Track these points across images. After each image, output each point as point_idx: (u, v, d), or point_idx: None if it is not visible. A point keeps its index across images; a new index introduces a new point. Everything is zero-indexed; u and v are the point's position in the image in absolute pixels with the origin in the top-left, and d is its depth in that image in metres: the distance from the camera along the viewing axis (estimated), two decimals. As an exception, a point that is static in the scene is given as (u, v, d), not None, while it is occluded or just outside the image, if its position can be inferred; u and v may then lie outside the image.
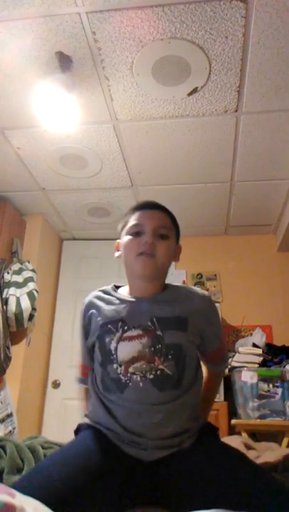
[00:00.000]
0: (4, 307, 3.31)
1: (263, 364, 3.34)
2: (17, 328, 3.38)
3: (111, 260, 4.36)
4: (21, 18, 2.15)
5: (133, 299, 1.44)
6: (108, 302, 1.47)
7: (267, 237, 4.34)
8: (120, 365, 1.33)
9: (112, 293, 1.51)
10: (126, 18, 2.15)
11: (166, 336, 1.34)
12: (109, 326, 1.39)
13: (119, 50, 2.31)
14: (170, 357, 1.32)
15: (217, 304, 3.74)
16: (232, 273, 4.23)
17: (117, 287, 1.55)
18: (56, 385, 3.94)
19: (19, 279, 3.48)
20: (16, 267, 3.55)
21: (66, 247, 4.58)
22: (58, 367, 3.98)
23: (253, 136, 2.95)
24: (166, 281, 1.53)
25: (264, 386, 3.16)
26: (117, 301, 1.46)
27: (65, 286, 4.35)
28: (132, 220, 1.48)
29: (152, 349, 1.33)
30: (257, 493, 1.14)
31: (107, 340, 1.37)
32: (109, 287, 1.55)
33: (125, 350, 1.34)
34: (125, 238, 1.47)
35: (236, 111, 2.71)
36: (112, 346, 1.35)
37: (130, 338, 1.35)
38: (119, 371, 1.33)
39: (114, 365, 1.34)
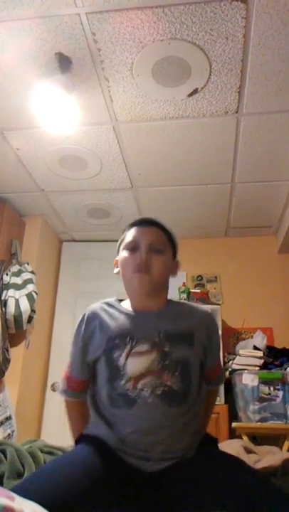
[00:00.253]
0: (3, 309, 3.30)
1: (264, 367, 3.32)
2: (16, 331, 3.36)
3: (111, 262, 4.34)
4: (21, 18, 2.14)
5: (139, 313, 1.45)
6: (113, 315, 1.46)
7: (267, 239, 4.33)
8: (129, 381, 1.33)
9: (117, 306, 1.50)
10: (126, 19, 2.14)
11: (174, 351, 1.36)
12: (116, 340, 1.38)
13: (119, 51, 2.30)
14: (177, 373, 1.34)
15: (217, 306, 3.77)
16: (232, 275, 4.22)
17: (120, 301, 1.55)
18: (55, 387, 3.92)
19: (18, 280, 3.47)
20: (15, 268, 3.54)
21: (66, 248, 4.56)
22: (58, 369, 3.96)
23: (254, 138, 2.93)
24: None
25: (265, 389, 3.15)
26: (123, 315, 1.45)
27: (65, 287, 4.34)
28: (128, 237, 1.50)
29: (161, 365, 1.34)
30: (256, 498, 1.14)
31: (115, 355, 1.36)
32: (112, 300, 1.54)
33: (134, 365, 1.34)
34: (122, 254, 1.49)
35: (237, 112, 2.70)
36: (121, 362, 1.35)
37: (139, 354, 1.35)
38: (127, 387, 1.33)
39: (123, 381, 1.33)
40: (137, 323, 1.42)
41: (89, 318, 1.48)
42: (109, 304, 1.52)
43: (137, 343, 1.37)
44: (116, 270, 1.54)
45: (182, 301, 1.62)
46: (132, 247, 1.46)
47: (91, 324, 1.46)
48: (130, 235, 1.50)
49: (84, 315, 1.50)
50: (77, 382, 1.50)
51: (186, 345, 1.39)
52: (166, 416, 1.31)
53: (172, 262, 1.54)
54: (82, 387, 1.50)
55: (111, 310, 1.48)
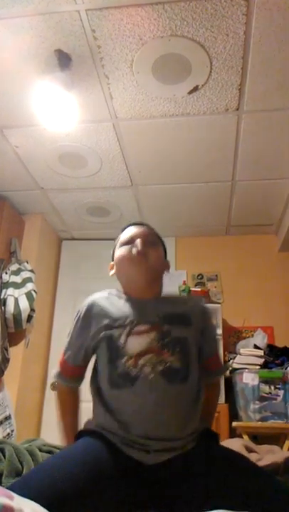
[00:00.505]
0: (2, 308, 3.29)
1: (265, 366, 3.32)
2: (15, 329, 3.35)
3: (110, 260, 4.35)
4: (20, 15, 2.13)
5: (138, 299, 1.52)
6: (113, 302, 1.53)
7: (268, 237, 4.31)
8: (130, 358, 1.37)
9: (116, 294, 1.58)
10: (126, 16, 2.12)
11: (172, 330, 1.42)
12: (116, 323, 1.44)
13: (119, 48, 2.28)
14: (178, 350, 1.39)
15: (218, 305, 3.76)
16: (233, 273, 4.21)
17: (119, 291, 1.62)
18: (55, 386, 3.91)
19: (18, 279, 3.46)
20: (14, 267, 3.53)
21: (65, 246, 4.55)
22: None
23: (255, 135, 2.92)
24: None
25: (265, 388, 3.14)
26: (122, 301, 1.53)
27: (65, 286, 4.33)
28: (123, 236, 1.62)
29: (160, 342, 1.38)
30: (259, 493, 1.15)
31: (116, 335, 1.41)
32: (112, 290, 1.61)
33: (135, 343, 1.39)
34: (119, 251, 1.59)
35: (237, 109, 2.69)
36: (122, 340, 1.40)
37: (139, 333, 1.40)
38: (128, 365, 1.36)
39: (124, 359, 1.37)
40: (136, 306, 1.49)
41: (90, 305, 1.54)
42: (109, 293, 1.59)
43: (137, 324, 1.43)
44: (112, 272, 1.64)
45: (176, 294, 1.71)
46: (128, 241, 1.57)
47: (92, 310, 1.52)
48: (125, 234, 1.61)
49: (82, 304, 1.57)
50: (71, 368, 1.55)
51: (184, 325, 1.46)
52: (167, 393, 1.34)
53: (164, 261, 1.63)
54: (75, 374, 1.56)
55: (111, 297, 1.56)
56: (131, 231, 1.61)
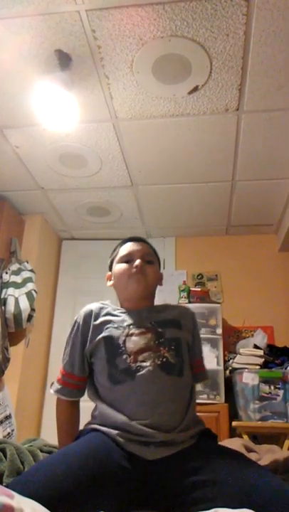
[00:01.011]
0: (3, 308, 3.29)
1: (265, 365, 3.32)
2: (16, 329, 3.36)
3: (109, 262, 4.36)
4: (20, 15, 2.12)
5: (132, 310, 1.61)
6: (110, 311, 1.61)
7: (268, 237, 4.32)
8: (130, 355, 1.45)
9: (111, 305, 1.66)
10: (126, 16, 2.12)
11: (166, 332, 1.52)
12: (114, 325, 1.54)
13: (119, 48, 2.29)
14: (173, 347, 1.49)
15: (218, 305, 3.77)
16: (233, 273, 4.21)
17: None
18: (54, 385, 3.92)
19: (18, 279, 3.46)
20: (14, 267, 3.53)
21: (65, 246, 4.55)
22: (57, 368, 3.90)
23: (255, 135, 2.92)
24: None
25: (265, 388, 3.14)
26: (118, 311, 1.62)
27: (65, 286, 4.34)
28: (122, 251, 1.69)
29: (157, 342, 1.48)
30: (258, 490, 1.15)
31: (116, 335, 1.50)
32: (106, 301, 1.70)
33: (134, 342, 1.48)
34: (117, 266, 1.67)
35: (237, 109, 2.69)
36: (121, 340, 1.49)
37: (137, 334, 1.50)
38: (128, 361, 1.44)
39: (124, 356, 1.45)
40: (132, 316, 1.58)
41: (86, 314, 1.61)
42: (104, 303, 1.67)
43: (134, 327, 1.53)
44: (110, 283, 1.73)
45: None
46: (127, 259, 1.65)
47: (89, 319, 1.59)
48: (124, 249, 1.69)
49: (79, 314, 1.64)
50: (77, 379, 1.57)
51: (176, 328, 1.56)
52: (167, 383, 1.42)
53: (159, 274, 1.72)
54: (80, 385, 1.59)
55: (107, 307, 1.63)
56: (130, 248, 1.68)
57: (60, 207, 3.95)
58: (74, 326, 1.63)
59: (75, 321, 1.63)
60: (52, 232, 4.37)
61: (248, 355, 3.39)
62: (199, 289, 3.91)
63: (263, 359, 3.35)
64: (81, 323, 1.60)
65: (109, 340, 1.50)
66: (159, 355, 1.45)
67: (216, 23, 2.14)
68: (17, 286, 3.42)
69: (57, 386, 1.60)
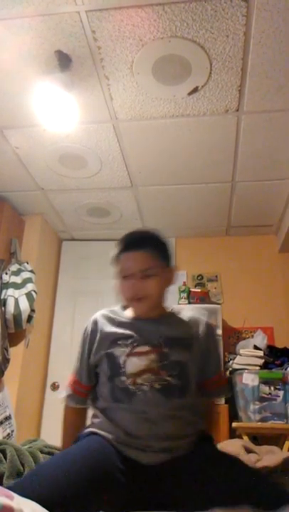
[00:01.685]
0: (3, 308, 3.29)
1: (265, 366, 3.32)
2: (15, 330, 3.36)
3: (110, 261, 4.35)
4: (20, 16, 2.13)
5: (141, 320, 1.53)
6: (117, 321, 1.54)
7: (268, 238, 4.31)
8: (128, 378, 1.40)
9: (120, 313, 1.58)
10: (126, 17, 2.12)
11: (172, 353, 1.43)
12: (119, 342, 1.47)
13: (119, 49, 2.29)
14: (175, 372, 1.41)
15: (218, 306, 3.76)
16: (233, 274, 4.21)
17: (124, 308, 1.62)
18: (55, 387, 3.92)
19: (18, 280, 3.46)
20: (14, 267, 3.53)
21: (65, 247, 4.55)
22: (57, 369, 3.96)
23: (254, 136, 2.92)
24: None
25: (265, 388, 3.14)
26: (126, 320, 1.54)
27: (64, 287, 4.33)
28: (118, 265, 1.53)
29: (159, 364, 1.41)
30: (251, 492, 1.17)
31: (117, 354, 1.44)
32: (116, 308, 1.62)
33: (134, 364, 1.41)
34: (117, 282, 1.54)
35: (237, 110, 2.69)
36: (122, 360, 1.43)
37: (139, 354, 1.43)
38: (127, 382, 1.40)
39: (123, 378, 1.41)
40: (139, 327, 1.50)
41: (94, 325, 1.55)
42: (113, 311, 1.59)
43: (138, 345, 1.45)
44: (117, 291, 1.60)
45: (183, 309, 1.63)
46: (124, 275, 1.50)
47: (95, 330, 1.54)
48: (120, 263, 1.52)
49: (89, 321, 1.58)
50: (84, 388, 1.56)
51: (185, 350, 1.46)
52: (166, 406, 1.37)
53: (167, 274, 1.55)
54: (87, 394, 1.58)
55: (114, 316, 1.56)
56: (125, 263, 1.51)
57: (60, 207, 3.95)
58: (84, 333, 1.58)
59: (85, 329, 1.58)
60: (52, 233, 4.36)
61: (248, 356, 3.38)
62: (199, 290, 3.91)
63: (263, 360, 3.35)
64: (89, 332, 1.55)
65: (112, 358, 1.45)
66: (159, 378, 1.39)
67: (216, 24, 2.14)
68: (17, 286, 3.42)
69: (68, 392, 1.60)
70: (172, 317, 1.56)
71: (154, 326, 1.50)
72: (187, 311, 1.60)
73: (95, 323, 1.55)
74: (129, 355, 1.43)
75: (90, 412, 1.56)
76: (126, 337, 1.47)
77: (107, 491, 1.21)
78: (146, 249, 1.51)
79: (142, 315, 1.52)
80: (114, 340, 1.47)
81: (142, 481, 1.28)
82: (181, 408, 1.40)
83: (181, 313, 1.59)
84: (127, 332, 1.48)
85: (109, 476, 1.23)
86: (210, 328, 1.57)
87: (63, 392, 1.64)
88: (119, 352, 1.44)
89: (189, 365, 1.44)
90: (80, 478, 1.17)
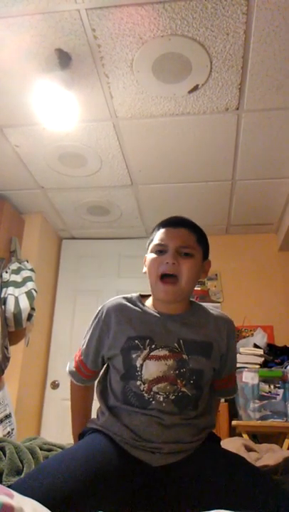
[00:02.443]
0: (3, 307, 3.29)
1: (264, 365, 3.32)
2: (16, 328, 3.36)
3: (110, 259, 4.36)
4: (20, 14, 2.12)
5: (161, 316, 1.43)
6: (134, 314, 1.44)
7: (268, 237, 4.31)
8: (144, 383, 1.34)
9: (139, 305, 1.47)
10: (126, 15, 2.12)
11: (191, 361, 1.36)
12: (136, 341, 1.38)
13: (119, 47, 2.28)
14: (192, 382, 1.36)
15: (217, 304, 3.77)
16: (233, 273, 4.20)
17: (142, 296, 1.52)
18: (55, 385, 3.92)
19: (18, 278, 3.46)
20: (14, 266, 3.53)
21: (65, 246, 4.55)
22: (57, 367, 3.96)
23: (255, 135, 2.92)
24: None
25: (265, 387, 3.14)
26: (144, 315, 1.43)
27: (65, 285, 4.33)
28: (156, 238, 1.45)
29: (177, 372, 1.35)
30: (257, 494, 1.16)
31: (134, 356, 1.36)
32: (134, 296, 1.51)
33: (151, 369, 1.35)
34: (149, 256, 1.46)
35: (238, 109, 2.69)
36: (138, 363, 1.36)
37: (157, 358, 1.36)
38: (142, 388, 1.34)
39: (138, 382, 1.35)
40: (158, 326, 1.41)
41: (109, 312, 1.45)
42: (131, 301, 1.48)
43: (156, 347, 1.37)
44: (144, 269, 1.50)
45: (205, 305, 1.56)
46: (159, 250, 1.43)
47: (110, 318, 1.44)
48: (158, 236, 1.45)
49: (103, 307, 1.48)
50: (88, 371, 1.52)
51: (204, 356, 1.39)
52: (178, 418, 1.34)
53: (202, 264, 1.48)
54: (90, 376, 1.53)
55: (132, 307, 1.46)
56: (164, 235, 1.44)
57: (59, 206, 3.95)
58: (96, 317, 1.48)
59: (98, 314, 1.48)
60: (52, 232, 4.36)
61: (248, 354, 3.38)
62: (199, 289, 3.92)
63: (263, 358, 3.35)
64: (102, 321, 1.45)
65: (127, 358, 1.37)
66: (175, 389, 1.34)
67: (216, 22, 2.14)
68: (17, 285, 3.42)
69: (71, 368, 1.56)
70: (197, 314, 1.47)
71: (176, 326, 1.41)
72: (212, 309, 1.54)
73: (110, 313, 1.44)
74: (146, 358, 1.35)
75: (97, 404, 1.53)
76: (144, 337, 1.38)
77: (109, 491, 1.20)
78: (189, 229, 1.47)
79: (168, 299, 1.41)
80: (131, 338, 1.38)
81: (147, 481, 1.27)
82: (195, 417, 1.37)
83: (205, 310, 1.51)
84: (146, 330, 1.39)
85: (111, 476, 1.22)
86: (233, 328, 1.50)
87: (68, 365, 1.59)
88: (136, 354, 1.36)
89: (206, 371, 1.39)
90: (82, 477, 1.16)
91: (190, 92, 2.55)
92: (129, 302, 1.47)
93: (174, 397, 1.34)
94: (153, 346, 1.36)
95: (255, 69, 2.40)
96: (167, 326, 1.40)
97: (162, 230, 1.46)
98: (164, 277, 1.39)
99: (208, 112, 2.73)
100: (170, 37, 2.22)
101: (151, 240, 1.49)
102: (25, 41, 2.25)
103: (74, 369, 1.55)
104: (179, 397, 1.34)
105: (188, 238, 1.45)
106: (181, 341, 1.37)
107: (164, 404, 1.33)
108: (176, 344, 1.37)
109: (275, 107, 2.66)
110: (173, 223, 1.48)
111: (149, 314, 1.44)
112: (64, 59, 2.31)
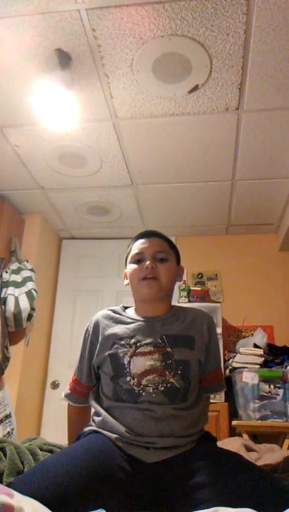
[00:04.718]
0: (3, 307, 3.29)
1: (264, 365, 3.32)
2: (16, 328, 3.36)
3: (110, 259, 4.35)
4: (20, 14, 2.12)
5: (144, 319, 1.55)
6: (119, 321, 1.56)
7: (268, 237, 4.32)
8: (133, 378, 1.42)
9: (122, 313, 1.60)
10: (126, 15, 2.12)
11: (175, 352, 1.45)
12: (122, 342, 1.48)
13: (119, 47, 2.28)
14: (179, 372, 1.43)
15: (218, 304, 3.77)
16: (233, 273, 4.21)
17: (125, 308, 1.65)
18: (55, 385, 3.92)
19: (18, 278, 3.46)
20: (14, 266, 3.53)
21: (65, 246, 4.55)
22: (57, 367, 3.97)
23: (255, 134, 2.92)
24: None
25: (265, 387, 3.14)
26: (128, 320, 1.56)
27: (64, 285, 4.33)
28: (133, 250, 1.61)
29: (163, 363, 1.43)
30: (256, 491, 1.16)
31: (121, 355, 1.45)
32: (118, 307, 1.64)
33: (138, 364, 1.43)
34: (129, 266, 1.60)
35: (238, 109, 2.69)
36: (126, 360, 1.44)
37: (143, 354, 1.44)
38: (132, 383, 1.41)
39: (128, 378, 1.42)
40: (142, 327, 1.51)
41: (96, 322, 1.58)
42: (114, 311, 1.61)
43: (141, 344, 1.46)
44: (126, 282, 1.64)
45: (184, 305, 1.72)
46: (138, 259, 1.57)
47: (97, 330, 1.56)
48: (134, 248, 1.61)
49: (91, 321, 1.61)
50: (84, 388, 1.59)
51: (187, 347, 1.48)
52: (169, 410, 1.38)
53: (176, 269, 1.63)
54: (86, 394, 1.60)
55: (116, 316, 1.58)
56: (140, 246, 1.59)
57: (59, 206, 3.95)
58: (85, 333, 1.60)
59: (87, 329, 1.60)
60: (52, 232, 4.36)
61: (248, 354, 3.39)
62: (199, 289, 3.91)
63: (263, 358, 3.35)
64: (91, 332, 1.57)
65: (115, 358, 1.46)
66: (163, 380, 1.41)
67: (216, 22, 2.14)
68: (17, 285, 3.42)
69: (66, 391, 1.65)
70: (176, 314, 1.57)
71: (158, 325, 1.51)
72: (192, 308, 1.65)
73: (97, 324, 1.57)
74: (133, 355, 1.44)
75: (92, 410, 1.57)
76: (129, 337, 1.48)
77: (108, 490, 1.20)
78: (161, 238, 1.63)
79: (152, 293, 1.52)
80: (117, 340, 1.48)
81: (145, 479, 1.27)
82: (185, 409, 1.42)
83: (184, 309, 1.62)
84: (130, 332, 1.50)
85: (110, 474, 1.23)
86: (212, 322, 1.60)
87: (63, 390, 1.66)
88: (123, 352, 1.45)
89: (192, 363, 1.46)
90: (81, 476, 1.17)
91: (190, 92, 2.55)
92: (113, 312, 1.60)
93: (163, 388, 1.40)
94: (138, 344, 1.46)
95: (255, 69, 2.40)
96: (150, 327, 1.51)
97: (138, 242, 1.62)
98: (146, 279, 1.53)
99: (208, 112, 2.73)
100: (170, 37, 2.22)
101: (128, 253, 1.63)
102: (25, 41, 2.26)
103: (69, 391, 1.64)
104: (168, 388, 1.40)
105: (162, 244, 1.61)
106: (164, 337, 1.47)
107: (154, 395, 1.39)
108: (159, 340, 1.47)
109: (275, 106, 2.66)
110: (146, 235, 1.64)
111: (132, 319, 1.56)
112: (64, 59, 2.31)
